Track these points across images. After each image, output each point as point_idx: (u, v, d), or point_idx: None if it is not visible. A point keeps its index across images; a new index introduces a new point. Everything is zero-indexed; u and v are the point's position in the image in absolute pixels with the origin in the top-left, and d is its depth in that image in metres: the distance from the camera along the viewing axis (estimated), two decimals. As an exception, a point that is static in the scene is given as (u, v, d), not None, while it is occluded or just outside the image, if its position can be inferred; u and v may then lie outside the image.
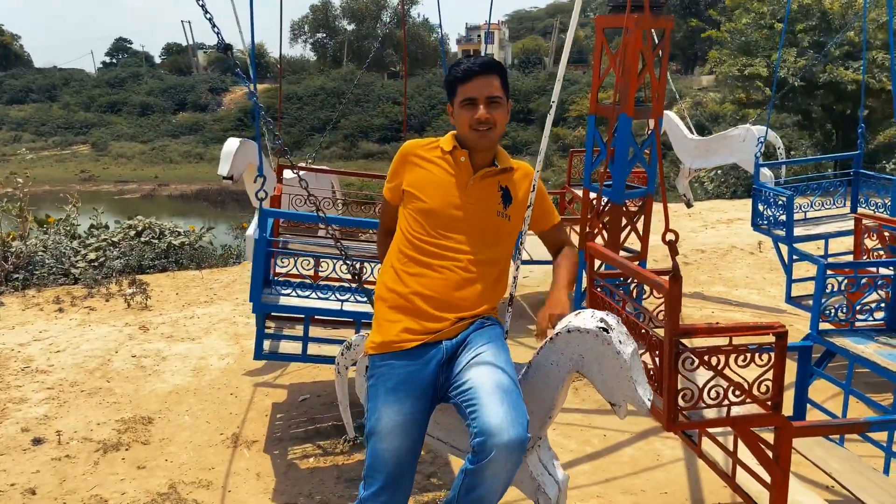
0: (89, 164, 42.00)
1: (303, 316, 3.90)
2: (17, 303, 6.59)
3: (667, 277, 2.37)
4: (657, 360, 2.50)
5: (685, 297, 6.30)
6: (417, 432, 2.37)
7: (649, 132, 5.50)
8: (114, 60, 66.32)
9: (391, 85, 47.32)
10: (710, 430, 2.81)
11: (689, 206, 8.49)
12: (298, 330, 4.04)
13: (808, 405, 3.64)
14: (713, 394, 2.44)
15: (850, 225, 5.46)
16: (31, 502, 3.52)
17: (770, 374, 2.43)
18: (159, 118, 47.32)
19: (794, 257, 5.62)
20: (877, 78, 14.71)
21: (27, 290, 6.95)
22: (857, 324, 3.78)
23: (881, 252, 4.45)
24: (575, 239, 5.91)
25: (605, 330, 2.24)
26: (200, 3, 3.04)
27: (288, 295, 3.85)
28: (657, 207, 6.08)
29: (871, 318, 3.78)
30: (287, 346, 4.04)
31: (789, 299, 5.47)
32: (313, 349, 3.90)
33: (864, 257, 4.51)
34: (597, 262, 3.07)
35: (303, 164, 6.10)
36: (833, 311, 3.71)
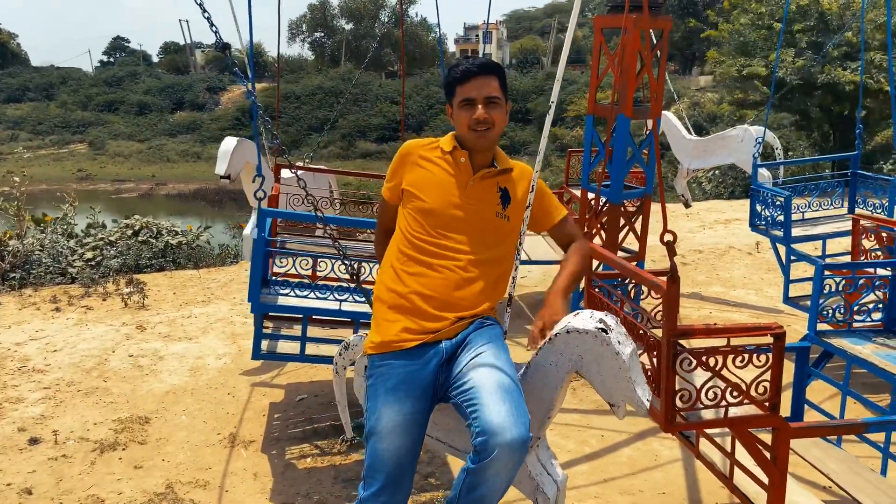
0: (86, 162, 41.92)
1: (301, 316, 3.89)
2: (14, 302, 6.58)
3: (665, 278, 2.37)
4: (655, 360, 2.50)
5: (683, 298, 6.31)
6: (417, 432, 2.37)
7: (647, 132, 5.50)
8: (111, 59, 66.20)
9: (389, 84, 47.28)
10: (708, 430, 2.81)
11: (687, 206, 8.50)
12: (296, 330, 4.03)
13: (806, 406, 3.64)
14: (711, 395, 2.44)
15: (847, 225, 5.47)
16: (28, 502, 3.52)
17: (768, 376, 2.43)
18: (157, 117, 47.24)
19: (792, 258, 5.63)
20: (875, 79, 14.72)
21: (24, 289, 6.94)
22: (855, 324, 3.78)
23: (879, 253, 4.46)
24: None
25: (604, 331, 2.23)
26: (198, 2, 3.03)
27: (286, 295, 3.84)
28: (655, 208, 6.10)
29: (868, 319, 3.78)
30: (285, 346, 4.04)
31: (787, 300, 5.48)
32: (311, 349, 3.89)
33: (862, 258, 4.52)
34: (595, 263, 3.07)
35: (300, 164, 6.09)
36: (831, 311, 3.71)
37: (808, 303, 4.08)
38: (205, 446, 4.09)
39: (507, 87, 2.54)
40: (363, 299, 3.57)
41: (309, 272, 4.05)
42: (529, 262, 5.87)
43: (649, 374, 2.52)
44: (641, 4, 4.90)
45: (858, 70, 13.51)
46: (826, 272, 3.68)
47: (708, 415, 2.51)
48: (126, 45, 69.14)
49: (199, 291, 7.10)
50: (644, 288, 2.78)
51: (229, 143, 5.59)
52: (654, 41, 5.49)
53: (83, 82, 51.75)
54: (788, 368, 2.90)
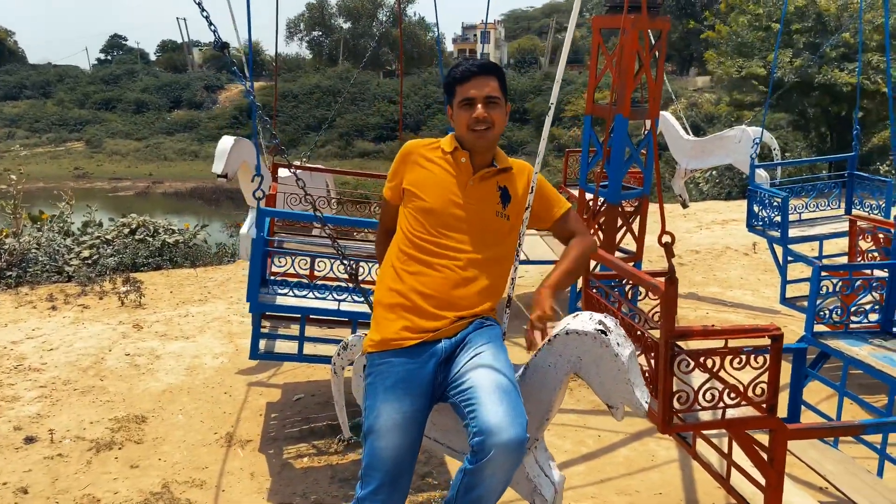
0: (83, 161, 41.85)
1: (298, 315, 3.89)
2: (10, 300, 6.56)
3: (663, 279, 2.37)
4: (653, 362, 2.50)
5: (680, 298, 6.31)
6: (416, 431, 2.36)
7: (646, 133, 5.50)
8: (108, 57, 66.05)
9: (387, 84, 47.27)
10: (705, 431, 2.81)
11: (684, 206, 8.51)
12: (294, 329, 4.02)
13: (802, 407, 3.64)
14: (708, 396, 2.44)
15: (844, 226, 5.47)
16: (23, 501, 3.51)
17: (765, 377, 2.43)
18: (154, 115, 47.16)
19: (789, 258, 5.64)
20: (872, 80, 14.74)
21: (20, 287, 6.92)
22: (852, 326, 3.79)
23: (875, 254, 4.47)
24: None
25: (604, 332, 2.23)
26: (197, 0, 3.02)
27: (285, 294, 3.84)
28: (653, 208, 6.09)
29: (865, 320, 3.79)
30: (283, 346, 4.03)
31: (784, 300, 5.49)
32: (309, 349, 3.89)
33: (859, 259, 4.53)
34: (592, 263, 3.07)
35: (297, 163, 6.08)
36: (828, 313, 3.72)
37: (805, 304, 4.09)
38: (201, 446, 4.08)
39: (507, 88, 2.55)
40: (361, 299, 3.56)
41: (307, 272, 4.04)
42: (528, 261, 5.87)
43: (647, 375, 2.52)
44: (640, 5, 4.90)
45: (856, 71, 13.54)
46: (823, 273, 3.68)
47: (705, 416, 2.52)
48: (123, 42, 69.03)
49: (195, 290, 7.09)
50: (641, 289, 2.78)
51: (226, 141, 5.57)
52: (653, 42, 5.49)
53: (80, 80, 51.64)
54: (785, 369, 2.90)
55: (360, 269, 3.64)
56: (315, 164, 8.27)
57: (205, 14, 3.03)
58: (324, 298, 3.83)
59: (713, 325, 2.49)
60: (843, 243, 5.66)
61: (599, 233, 5.50)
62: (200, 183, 36.13)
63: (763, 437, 2.57)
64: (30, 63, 58.47)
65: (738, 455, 2.65)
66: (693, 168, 7.84)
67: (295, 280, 3.92)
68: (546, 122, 2.90)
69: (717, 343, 2.45)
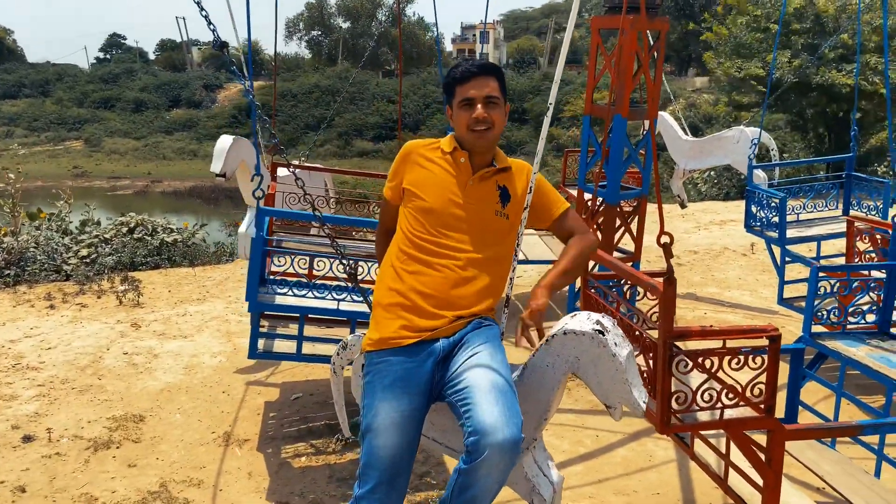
0: (82, 159, 41.80)
1: (297, 315, 3.88)
2: (8, 299, 6.55)
3: (661, 280, 2.37)
4: (651, 362, 2.51)
5: (678, 298, 6.32)
6: (414, 430, 2.37)
7: (644, 133, 5.51)
8: (108, 56, 66.02)
9: (386, 83, 47.27)
10: (703, 432, 2.81)
11: (682, 206, 8.52)
12: (292, 329, 4.02)
13: (800, 407, 3.65)
14: (707, 396, 2.44)
15: (842, 227, 5.49)
16: (21, 500, 3.50)
17: (763, 378, 2.44)
18: (153, 114, 47.12)
19: (787, 259, 5.65)
20: (870, 81, 14.75)
21: (18, 286, 6.91)
22: (849, 326, 3.79)
23: (873, 255, 4.47)
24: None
25: (601, 332, 2.24)
26: (196, -1, 3.02)
27: (284, 294, 3.84)
28: (651, 208, 6.10)
29: (862, 321, 3.79)
30: (281, 345, 4.03)
31: (781, 301, 5.50)
32: (308, 348, 3.89)
33: (857, 260, 4.53)
34: (590, 263, 3.07)
35: (295, 162, 6.07)
36: (825, 313, 3.72)
37: (803, 304, 4.09)
38: (199, 445, 4.08)
39: (506, 88, 2.55)
40: (361, 299, 3.56)
41: (306, 271, 4.04)
42: (526, 261, 5.87)
43: (645, 375, 2.52)
44: (639, 6, 4.91)
45: (854, 72, 13.55)
46: (821, 274, 3.69)
47: (703, 417, 2.52)
48: (122, 41, 69.00)
49: (194, 289, 7.08)
50: (640, 289, 2.78)
51: (225, 141, 5.57)
52: (651, 42, 5.50)
53: (79, 79, 51.60)
54: (783, 370, 2.91)
55: (360, 269, 3.64)
56: (314, 163, 8.26)
57: (204, 13, 3.03)
58: (323, 298, 3.83)
59: (711, 326, 2.49)
60: (840, 244, 5.67)
61: (598, 233, 5.51)
62: (199, 182, 36.11)
63: (760, 438, 2.57)
64: (29, 62, 58.41)
65: (736, 455, 2.65)
66: (691, 168, 7.85)
67: (294, 279, 3.92)
68: (545, 122, 2.90)
69: (715, 343, 2.45)
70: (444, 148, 2.55)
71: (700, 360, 2.42)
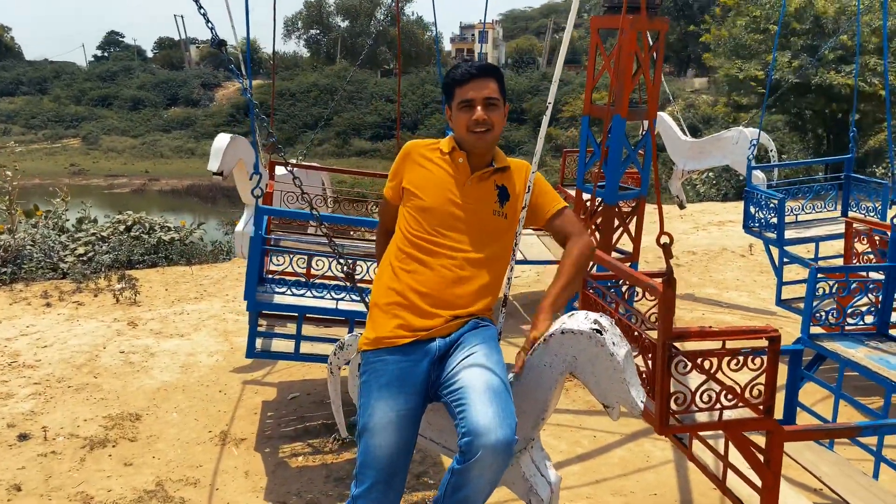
0: (79, 157, 41.73)
1: (296, 314, 3.87)
2: (5, 297, 6.53)
3: (660, 280, 2.36)
4: (650, 363, 2.50)
5: (676, 299, 6.31)
6: (410, 429, 2.36)
7: (643, 133, 5.50)
8: (105, 54, 65.91)
9: (384, 83, 47.26)
10: (701, 433, 2.80)
11: (681, 207, 8.52)
12: (290, 328, 4.01)
13: (798, 408, 3.65)
14: (706, 397, 2.43)
15: (840, 228, 5.49)
16: (17, 499, 3.49)
17: (762, 379, 2.43)
18: (151, 113, 47.07)
19: (785, 260, 5.65)
20: (869, 82, 14.76)
21: (15, 284, 6.89)
22: (848, 328, 3.79)
23: (871, 256, 4.47)
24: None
25: (599, 332, 2.23)
26: (194, -3, 3.01)
27: (283, 293, 3.83)
28: (650, 209, 6.10)
29: (861, 322, 3.79)
30: (279, 345, 4.02)
31: (780, 302, 5.50)
32: (306, 347, 3.88)
33: (855, 261, 4.53)
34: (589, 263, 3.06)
35: (293, 161, 6.06)
36: (824, 314, 3.72)
37: (801, 305, 4.09)
38: (196, 444, 4.06)
39: (506, 89, 2.55)
40: (359, 298, 3.56)
41: (304, 270, 4.03)
42: (524, 261, 5.87)
43: (644, 376, 2.51)
44: (638, 6, 4.90)
45: (852, 73, 13.56)
46: (819, 275, 3.68)
47: (702, 417, 2.51)
48: (120, 39, 68.89)
49: (191, 288, 7.07)
50: (638, 289, 2.78)
51: (223, 139, 5.56)
52: (651, 43, 5.49)
53: (77, 77, 51.54)
54: (781, 371, 2.90)
55: (358, 269, 3.63)
56: (312, 162, 8.25)
57: (202, 11, 3.01)
58: (321, 297, 3.82)
59: (710, 327, 2.49)
60: (839, 245, 5.67)
61: (596, 233, 5.50)
62: (197, 180, 36.06)
63: (759, 439, 2.57)
64: (26, 59, 58.36)
65: (735, 456, 2.65)
66: (690, 169, 7.86)
67: (292, 279, 3.91)
68: (543, 122, 2.89)
69: (714, 344, 2.45)
70: (443, 148, 2.55)
71: (699, 360, 2.41)
